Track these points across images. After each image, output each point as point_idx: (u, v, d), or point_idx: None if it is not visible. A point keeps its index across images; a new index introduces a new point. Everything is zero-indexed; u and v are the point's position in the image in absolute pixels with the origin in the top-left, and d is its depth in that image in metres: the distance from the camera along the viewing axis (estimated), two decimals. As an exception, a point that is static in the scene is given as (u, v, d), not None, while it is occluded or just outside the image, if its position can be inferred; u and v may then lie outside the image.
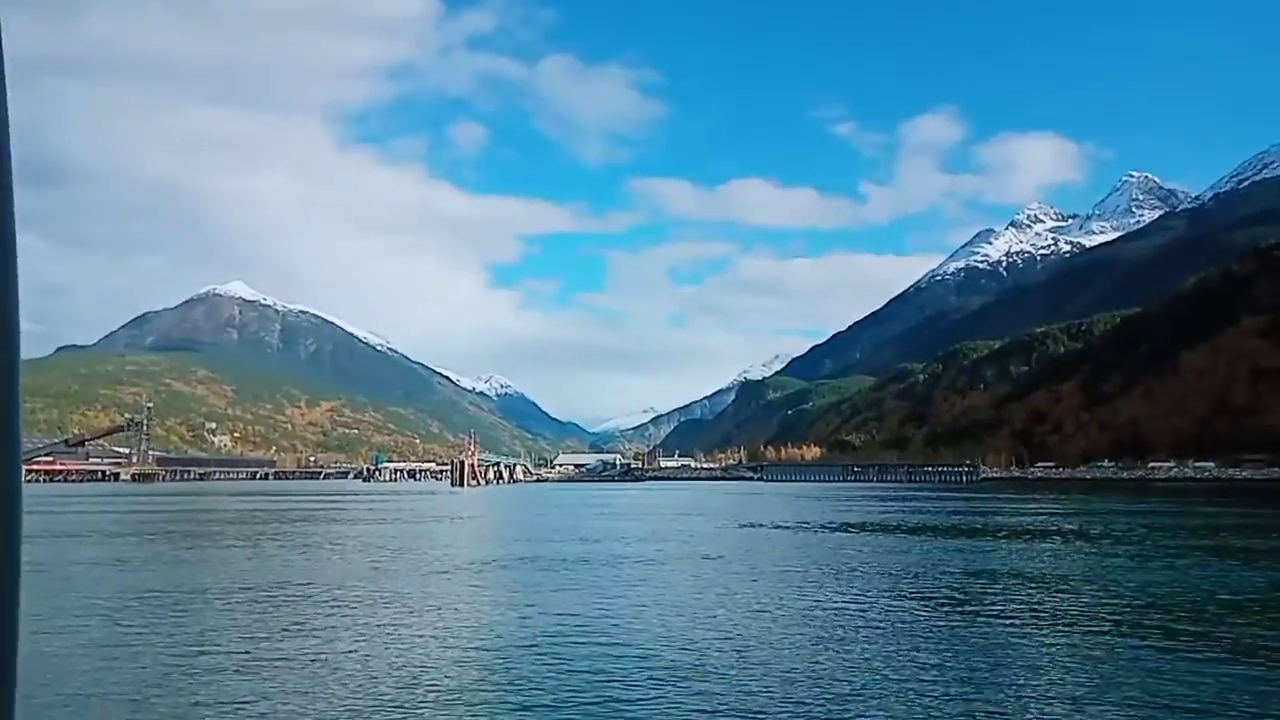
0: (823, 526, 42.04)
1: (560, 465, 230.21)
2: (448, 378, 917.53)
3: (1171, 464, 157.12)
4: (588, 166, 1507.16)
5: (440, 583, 20.36)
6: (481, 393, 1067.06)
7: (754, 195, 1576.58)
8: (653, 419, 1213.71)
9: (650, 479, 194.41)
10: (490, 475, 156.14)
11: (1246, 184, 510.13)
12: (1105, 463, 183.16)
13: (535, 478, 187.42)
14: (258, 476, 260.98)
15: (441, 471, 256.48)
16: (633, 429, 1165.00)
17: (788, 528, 40.90)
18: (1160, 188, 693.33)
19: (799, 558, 24.92)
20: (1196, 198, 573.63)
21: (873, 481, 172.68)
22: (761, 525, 41.95)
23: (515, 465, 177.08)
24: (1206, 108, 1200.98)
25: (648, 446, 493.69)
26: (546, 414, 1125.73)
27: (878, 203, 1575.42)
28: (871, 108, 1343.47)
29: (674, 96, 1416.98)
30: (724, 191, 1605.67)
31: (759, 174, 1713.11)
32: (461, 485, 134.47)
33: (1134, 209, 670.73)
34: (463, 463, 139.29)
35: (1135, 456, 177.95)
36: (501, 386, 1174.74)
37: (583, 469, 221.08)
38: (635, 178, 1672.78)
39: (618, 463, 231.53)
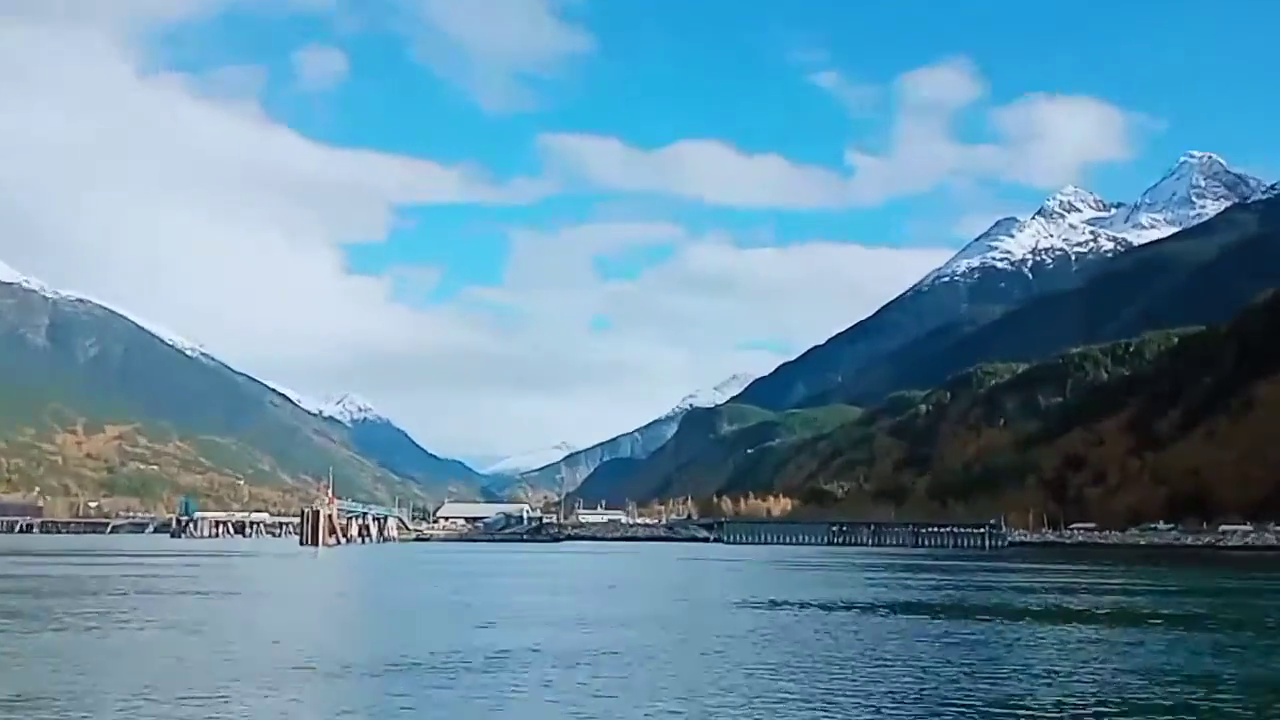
0: (821, 606, 41.32)
1: (447, 519, 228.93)
2: (285, 397, 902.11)
3: (1247, 527, 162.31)
4: (484, 116, 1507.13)
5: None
6: (331, 418, 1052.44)
7: (706, 163, 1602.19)
8: (566, 457, 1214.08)
9: (570, 538, 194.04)
10: (354, 531, 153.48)
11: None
12: (1160, 524, 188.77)
13: (414, 535, 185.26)
14: (17, 529, 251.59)
15: (279, 526, 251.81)
16: (538, 471, 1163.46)
17: (770, 607, 40.04)
18: (1227, 172, 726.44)
19: (804, 661, 23.88)
20: (1272, 186, 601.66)
21: (865, 545, 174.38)
22: (735, 605, 40.99)
23: (387, 518, 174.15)
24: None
25: (559, 493, 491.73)
26: (421, 448, 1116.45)
27: (868, 178, 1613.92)
28: (863, 55, 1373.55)
29: (603, 27, 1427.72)
30: (667, 156, 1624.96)
31: (714, 135, 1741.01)
32: (315, 544, 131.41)
33: (1194, 198, 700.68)
34: (316, 514, 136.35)
35: (1199, 517, 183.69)
36: (359, 410, 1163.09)
37: (478, 524, 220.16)
38: (548, 133, 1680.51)
39: (525, 516, 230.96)
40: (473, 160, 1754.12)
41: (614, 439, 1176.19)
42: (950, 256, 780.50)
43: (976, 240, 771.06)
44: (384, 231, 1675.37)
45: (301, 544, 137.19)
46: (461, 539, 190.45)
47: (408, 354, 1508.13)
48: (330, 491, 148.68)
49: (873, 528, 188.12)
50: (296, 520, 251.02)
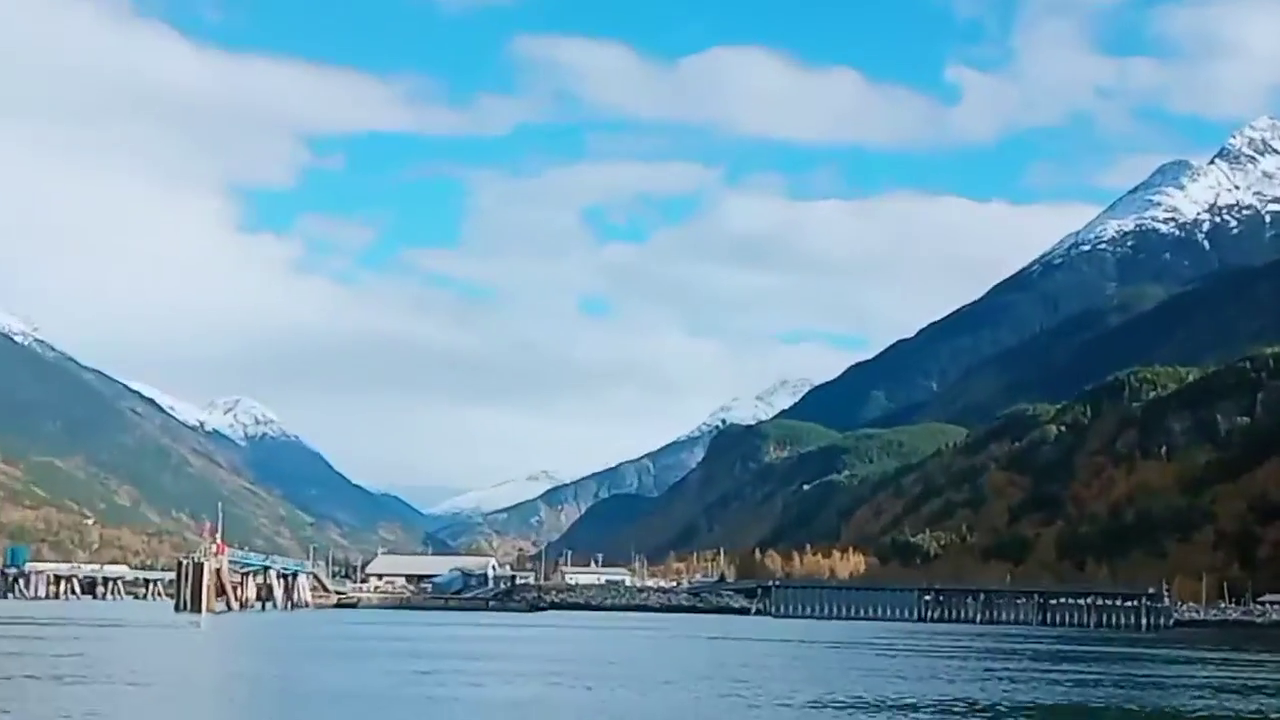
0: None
1: (381, 578, 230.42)
2: (153, 403, 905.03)
3: None
4: (437, 10, 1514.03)
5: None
6: (217, 433, 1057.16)
7: (749, 79, 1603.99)
8: (547, 493, 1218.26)
9: (554, 606, 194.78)
10: (251, 593, 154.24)
11: None
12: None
13: (336, 599, 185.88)
14: None
15: (146, 584, 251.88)
16: (507, 511, 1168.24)
17: None
18: None
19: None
20: None
21: (972, 621, 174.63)
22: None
23: (297, 575, 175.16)
24: None
25: (536, 544, 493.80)
26: (343, 478, 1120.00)
27: (977, 103, 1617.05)
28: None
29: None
30: (693, 70, 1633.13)
31: (760, 40, 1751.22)
32: (198, 611, 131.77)
33: None
34: (199, 568, 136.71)
35: None
36: (256, 423, 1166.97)
37: (424, 585, 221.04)
38: (525, 35, 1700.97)
39: (491, 575, 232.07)
40: (418, 73, 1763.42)
41: (614, 468, 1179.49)
42: (1093, 216, 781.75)
43: (1131, 193, 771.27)
44: (292, 173, 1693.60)
45: (178, 609, 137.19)
46: (402, 605, 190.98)
47: (326, 346, 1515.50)
48: (219, 536, 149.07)
49: (982, 597, 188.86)
50: (169, 576, 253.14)
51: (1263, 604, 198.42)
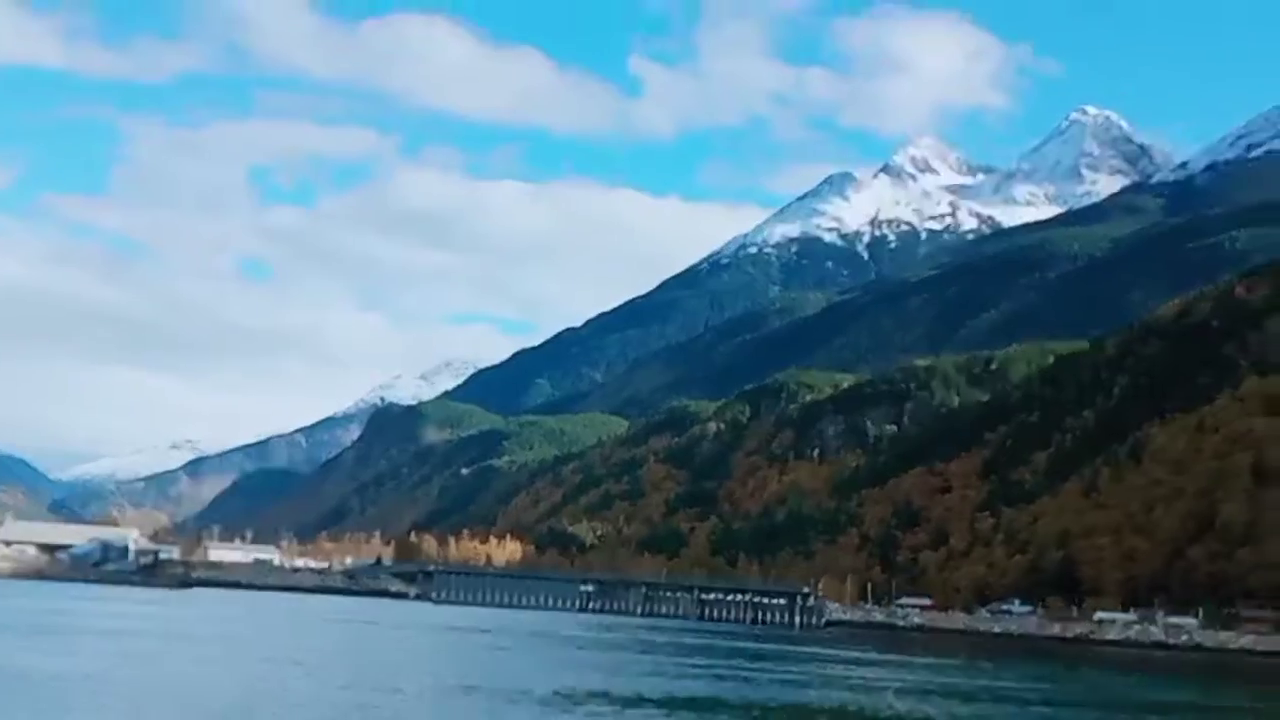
0: None
1: (10, 545, 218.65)
2: None
3: (1130, 616, 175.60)
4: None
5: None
6: None
7: (434, 49, 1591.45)
8: (189, 464, 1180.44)
9: (201, 583, 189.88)
10: None
11: (1255, 152, 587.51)
12: (1016, 605, 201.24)
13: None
14: None
15: None
16: (145, 480, 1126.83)
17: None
18: (1128, 141, 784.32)
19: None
20: (1183, 165, 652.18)
21: (632, 614, 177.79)
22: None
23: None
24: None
25: (174, 516, 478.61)
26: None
27: (659, 97, 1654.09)
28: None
29: None
30: (376, 32, 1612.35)
31: (448, 10, 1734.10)
32: None
33: (1084, 169, 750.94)
34: None
35: (1067, 599, 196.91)
36: None
37: (59, 556, 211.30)
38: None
39: (131, 548, 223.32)
40: (73, 8, 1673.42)
41: (264, 441, 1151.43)
42: (762, 219, 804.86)
43: (800, 200, 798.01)
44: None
45: None
46: (37, 575, 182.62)
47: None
48: None
49: (643, 589, 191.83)
50: None
51: (902, 606, 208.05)
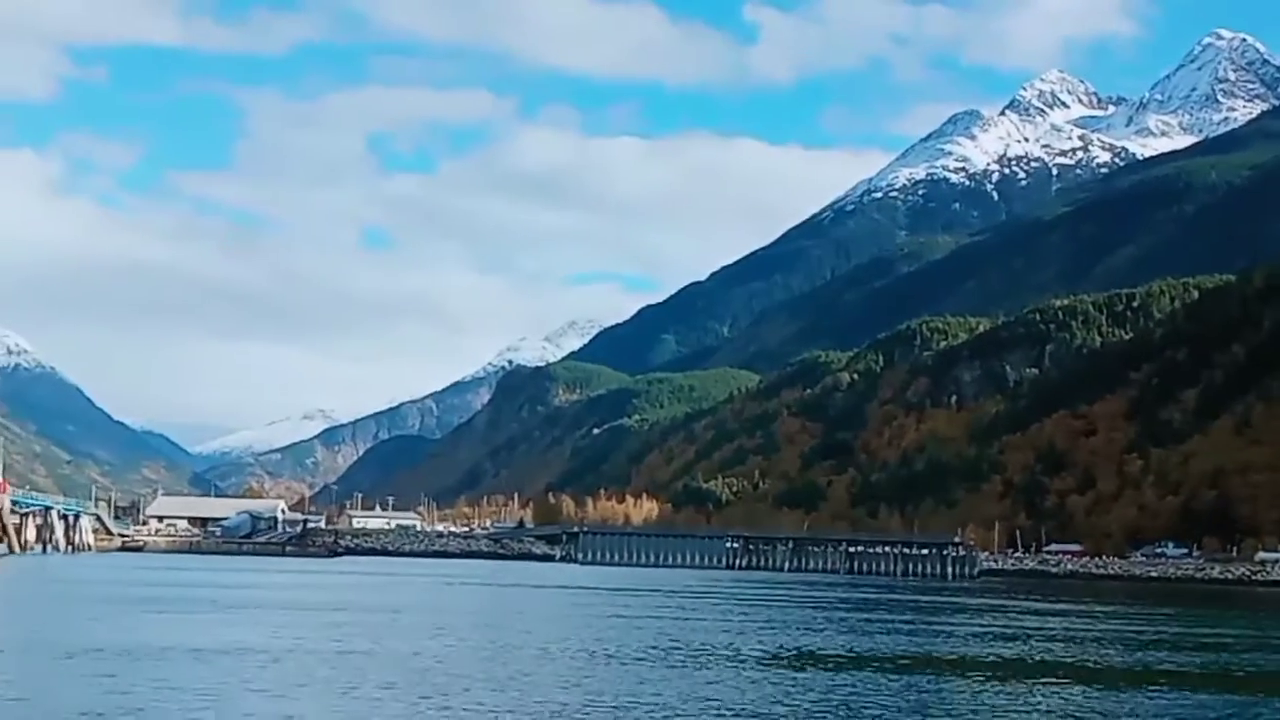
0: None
1: (163, 521, 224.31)
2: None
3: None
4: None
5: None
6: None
7: (546, 8, 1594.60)
8: (323, 433, 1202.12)
9: (349, 551, 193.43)
10: (31, 535, 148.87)
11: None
12: (1170, 548, 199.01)
13: (120, 543, 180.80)
14: None
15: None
16: (280, 451, 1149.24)
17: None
18: (1265, 63, 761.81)
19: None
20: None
21: (779, 569, 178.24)
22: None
23: (80, 516, 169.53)
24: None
25: (312, 486, 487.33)
26: (103, 413, 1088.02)
27: (776, 44, 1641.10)
28: None
29: None
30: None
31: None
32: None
33: (1220, 97, 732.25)
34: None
35: (1222, 539, 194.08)
36: (9, 354, 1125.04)
37: (211, 529, 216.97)
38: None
39: (279, 519, 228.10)
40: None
41: (395, 408, 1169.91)
42: (886, 163, 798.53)
43: (923, 141, 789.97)
44: (53, 84, 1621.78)
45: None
46: (191, 549, 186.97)
47: (86, 272, 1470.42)
48: (0, 475, 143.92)
49: (791, 544, 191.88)
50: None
51: (1052, 553, 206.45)
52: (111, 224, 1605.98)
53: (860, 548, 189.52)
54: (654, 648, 45.49)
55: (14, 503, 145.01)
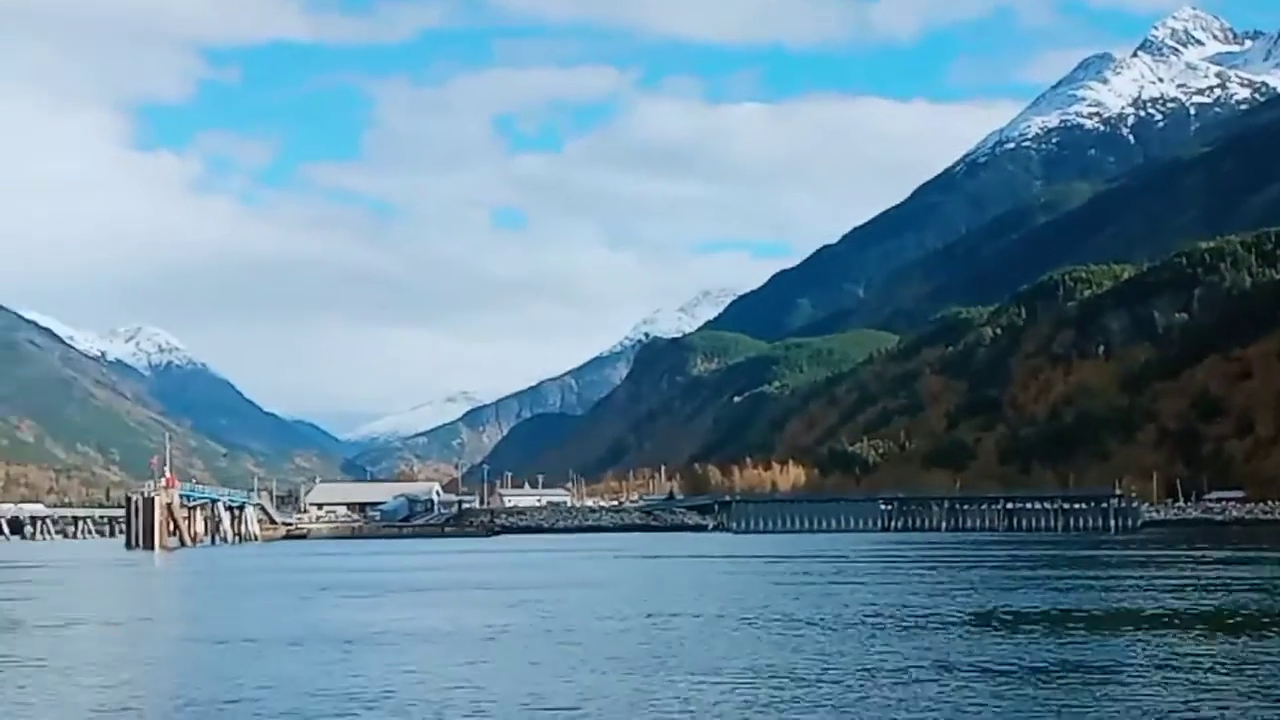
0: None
1: (322, 507, 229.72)
2: (50, 333, 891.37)
3: None
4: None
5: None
6: (120, 362, 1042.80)
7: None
8: (466, 414, 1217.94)
9: (504, 530, 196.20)
10: (199, 527, 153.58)
11: None
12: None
13: (284, 531, 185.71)
14: None
15: (76, 520, 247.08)
16: (427, 435, 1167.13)
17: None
18: None
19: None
20: None
21: (936, 529, 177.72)
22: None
23: (244, 508, 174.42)
24: None
25: (459, 467, 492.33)
26: (255, 405, 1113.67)
27: (898, 3, 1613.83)
28: None
29: None
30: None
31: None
32: (150, 547, 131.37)
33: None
34: (150, 503, 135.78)
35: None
36: (160, 351, 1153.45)
37: (370, 513, 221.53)
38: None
39: (434, 500, 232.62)
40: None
41: (535, 386, 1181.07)
42: (1017, 112, 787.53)
43: (1055, 88, 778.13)
44: (190, 86, 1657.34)
45: (130, 546, 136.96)
46: (354, 534, 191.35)
47: (229, 268, 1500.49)
48: (168, 470, 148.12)
49: (946, 504, 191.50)
50: (99, 513, 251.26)
51: (1217, 501, 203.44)
52: (251, 220, 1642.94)
53: (1018, 504, 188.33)
54: (874, 615, 45.12)
55: (182, 497, 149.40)
